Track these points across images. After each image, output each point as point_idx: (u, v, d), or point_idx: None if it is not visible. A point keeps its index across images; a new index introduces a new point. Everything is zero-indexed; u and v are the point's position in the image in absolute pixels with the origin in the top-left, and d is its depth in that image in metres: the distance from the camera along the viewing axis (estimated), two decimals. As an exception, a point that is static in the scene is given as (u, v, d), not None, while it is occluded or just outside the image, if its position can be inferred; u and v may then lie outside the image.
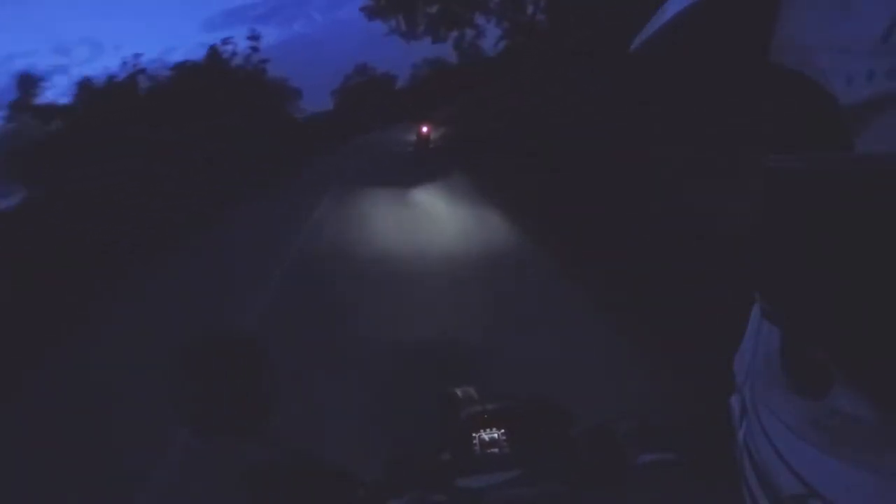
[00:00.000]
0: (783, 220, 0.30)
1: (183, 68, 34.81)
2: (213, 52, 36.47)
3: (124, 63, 30.66)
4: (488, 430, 0.76)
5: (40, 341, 5.24)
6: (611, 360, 3.17)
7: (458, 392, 0.85)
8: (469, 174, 12.02)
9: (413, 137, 21.34)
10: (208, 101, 29.62)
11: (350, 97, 60.73)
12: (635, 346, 3.29)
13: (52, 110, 28.80)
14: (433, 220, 8.25)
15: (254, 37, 39.43)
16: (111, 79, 31.11)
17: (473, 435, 0.76)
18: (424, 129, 20.20)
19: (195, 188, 15.22)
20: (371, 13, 24.77)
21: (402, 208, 9.34)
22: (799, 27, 0.28)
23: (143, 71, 31.85)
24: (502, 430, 0.76)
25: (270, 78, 40.91)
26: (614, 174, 7.16)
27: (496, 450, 0.75)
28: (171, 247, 9.42)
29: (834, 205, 0.26)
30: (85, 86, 30.07)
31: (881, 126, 0.24)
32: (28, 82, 28.65)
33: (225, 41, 38.05)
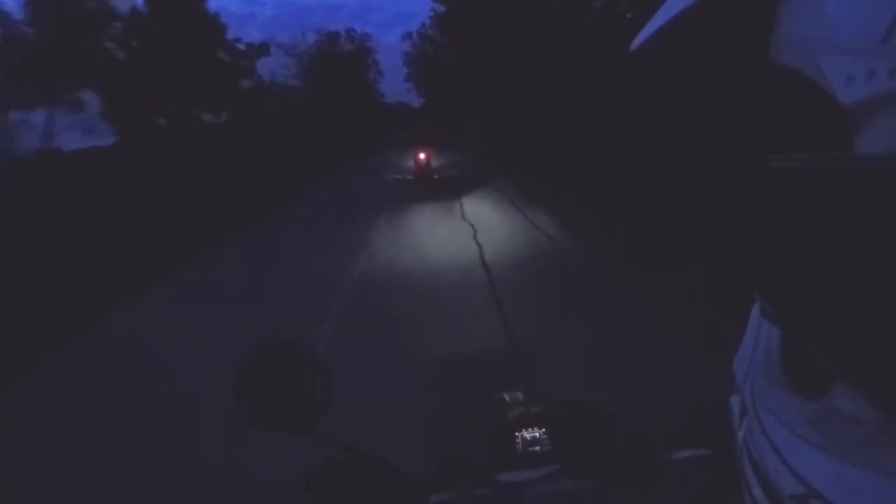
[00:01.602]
0: (783, 221, 0.30)
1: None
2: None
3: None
4: (530, 429, 0.80)
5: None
6: (657, 360, 3.19)
7: (506, 396, 0.90)
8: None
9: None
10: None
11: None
12: (680, 345, 3.32)
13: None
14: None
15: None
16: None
17: (516, 434, 0.80)
18: (422, 155, 14.47)
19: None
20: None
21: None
22: (799, 27, 0.28)
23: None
24: (543, 430, 0.80)
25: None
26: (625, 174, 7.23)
27: (537, 447, 0.80)
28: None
29: (834, 205, 0.26)
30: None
31: (881, 126, 0.24)
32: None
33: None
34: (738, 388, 0.45)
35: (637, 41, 0.38)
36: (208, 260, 7.68)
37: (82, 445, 3.02)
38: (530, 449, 0.80)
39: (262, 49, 27.47)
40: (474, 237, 7.58)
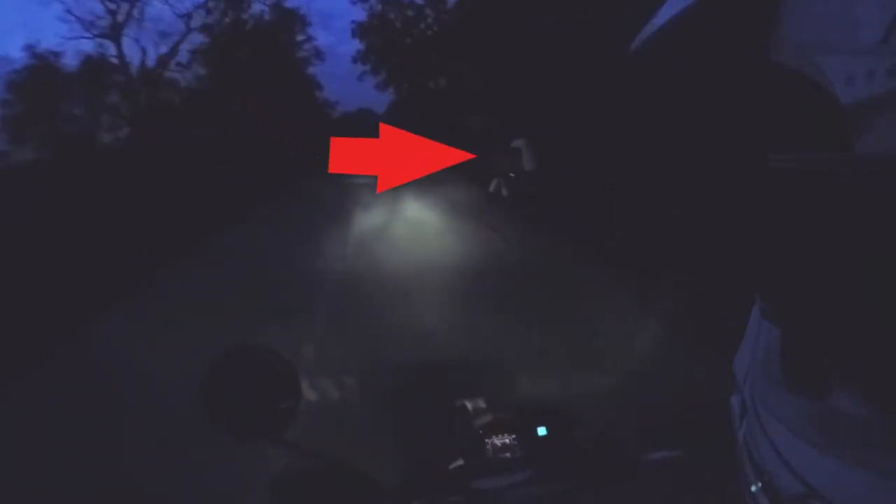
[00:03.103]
0: (783, 221, 0.30)
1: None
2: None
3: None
4: (500, 435, 0.80)
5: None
6: (622, 362, 3.20)
7: (468, 404, 0.90)
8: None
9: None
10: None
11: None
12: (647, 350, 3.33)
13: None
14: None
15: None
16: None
17: (486, 440, 0.80)
18: None
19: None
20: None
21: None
22: (799, 27, 0.28)
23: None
24: (514, 435, 0.80)
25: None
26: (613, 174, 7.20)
27: (508, 454, 0.79)
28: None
29: (834, 205, 0.26)
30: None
31: (881, 126, 0.24)
32: None
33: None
34: (738, 388, 0.45)
35: (637, 41, 0.38)
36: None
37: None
38: (501, 455, 0.79)
39: None
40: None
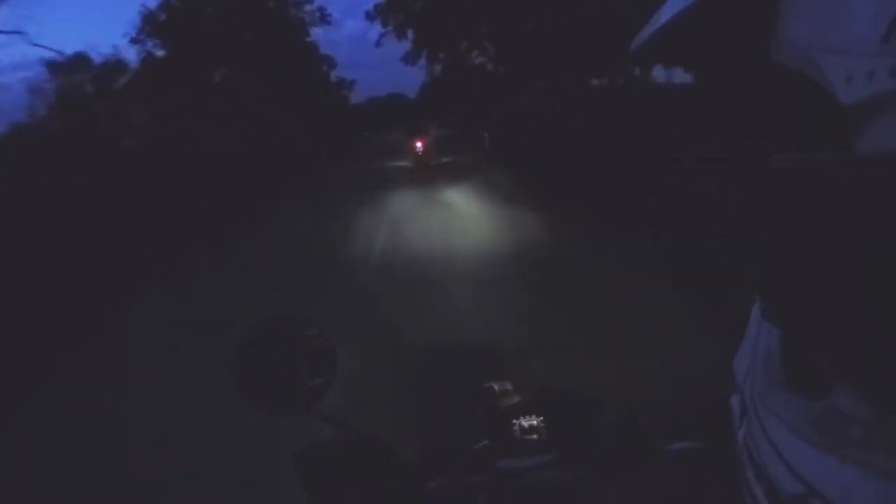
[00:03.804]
0: (783, 221, 0.30)
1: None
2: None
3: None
4: (527, 417, 0.81)
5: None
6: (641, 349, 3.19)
7: (496, 386, 0.90)
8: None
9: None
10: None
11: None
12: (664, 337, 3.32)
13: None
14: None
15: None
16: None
17: (514, 421, 0.81)
18: (419, 144, 16.02)
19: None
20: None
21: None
22: (799, 27, 0.28)
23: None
24: (541, 418, 0.81)
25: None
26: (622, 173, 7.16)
27: (534, 435, 0.80)
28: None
29: (834, 205, 0.26)
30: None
31: (881, 126, 0.24)
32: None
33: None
34: (738, 388, 0.45)
35: (637, 41, 0.38)
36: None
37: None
38: (527, 437, 0.80)
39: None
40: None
